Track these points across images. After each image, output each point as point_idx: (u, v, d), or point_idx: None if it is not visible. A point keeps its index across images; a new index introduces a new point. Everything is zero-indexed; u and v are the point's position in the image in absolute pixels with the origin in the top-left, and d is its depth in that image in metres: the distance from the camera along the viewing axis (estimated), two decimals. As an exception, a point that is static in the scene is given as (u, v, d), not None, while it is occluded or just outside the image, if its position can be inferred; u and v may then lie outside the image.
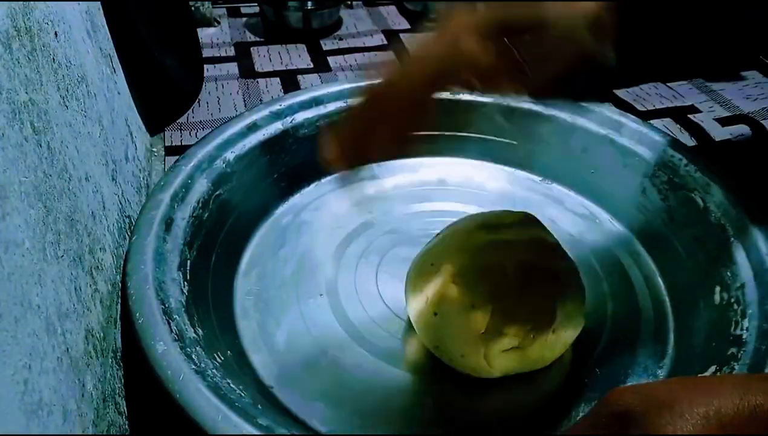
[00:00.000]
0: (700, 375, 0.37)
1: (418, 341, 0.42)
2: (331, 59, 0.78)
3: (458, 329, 0.38)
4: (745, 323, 0.39)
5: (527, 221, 0.43)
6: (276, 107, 0.54)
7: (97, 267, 0.36)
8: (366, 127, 0.35)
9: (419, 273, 0.41)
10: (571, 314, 0.39)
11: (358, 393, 0.39)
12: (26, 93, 0.30)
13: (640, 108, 0.67)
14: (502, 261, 0.39)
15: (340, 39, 0.83)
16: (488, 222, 0.42)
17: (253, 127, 0.52)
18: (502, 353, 0.37)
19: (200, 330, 0.38)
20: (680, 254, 0.46)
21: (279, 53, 0.79)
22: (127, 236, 0.44)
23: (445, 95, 0.57)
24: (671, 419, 0.24)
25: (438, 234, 0.44)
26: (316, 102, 0.55)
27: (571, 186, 0.55)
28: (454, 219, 0.52)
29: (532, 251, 0.40)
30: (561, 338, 0.39)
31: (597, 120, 0.54)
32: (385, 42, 0.83)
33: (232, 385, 0.35)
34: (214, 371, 0.35)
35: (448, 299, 0.38)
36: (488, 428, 0.38)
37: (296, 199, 0.54)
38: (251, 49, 0.80)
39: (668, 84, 0.71)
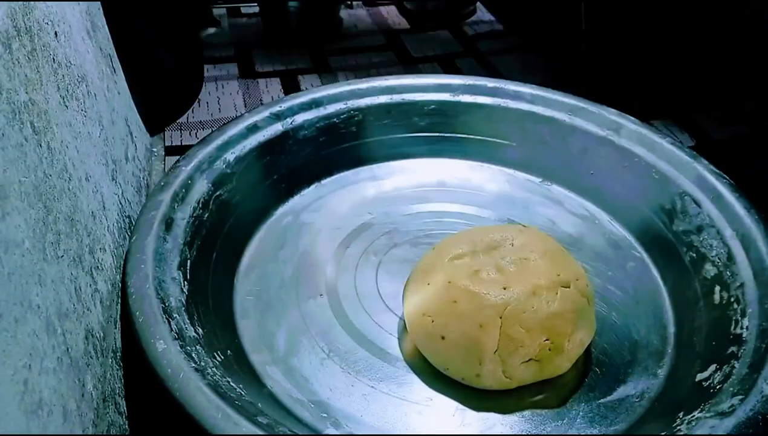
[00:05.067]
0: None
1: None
2: (331, 59, 0.78)
3: (469, 352, 0.37)
4: (745, 322, 0.39)
5: (527, 233, 0.42)
6: (276, 108, 0.54)
7: (97, 267, 0.36)
8: None
9: (418, 294, 0.40)
10: (583, 320, 0.39)
11: (359, 393, 0.39)
12: (26, 93, 0.30)
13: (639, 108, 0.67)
14: (505, 276, 0.39)
15: (340, 39, 0.83)
16: (482, 237, 0.42)
17: (253, 129, 0.52)
18: (520, 365, 0.37)
19: (200, 329, 0.38)
20: (680, 254, 0.46)
21: (279, 53, 0.79)
22: (127, 236, 0.44)
23: (446, 96, 0.58)
24: None
25: (433, 247, 0.43)
26: (316, 104, 0.55)
27: (570, 187, 0.55)
28: (454, 220, 0.52)
29: (536, 261, 0.39)
30: (576, 345, 0.38)
31: (596, 121, 0.54)
32: (385, 42, 0.83)
33: (232, 383, 0.35)
34: (214, 369, 0.35)
35: (454, 321, 0.38)
36: (489, 428, 0.38)
37: (296, 200, 0.54)
38: (251, 49, 0.80)
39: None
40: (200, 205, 0.46)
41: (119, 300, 0.39)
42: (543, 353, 0.37)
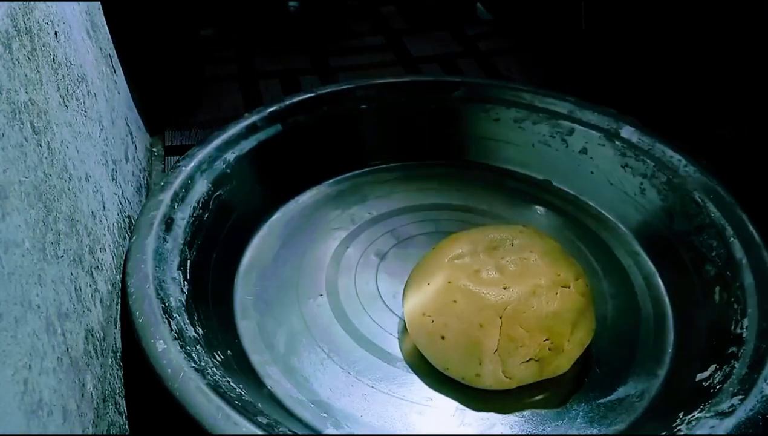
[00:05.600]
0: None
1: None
2: (331, 60, 0.78)
3: (469, 352, 0.37)
4: (745, 322, 0.39)
5: (527, 233, 0.42)
6: (276, 108, 0.54)
7: (97, 267, 0.36)
8: None
9: (418, 294, 0.40)
10: (583, 320, 0.39)
11: (359, 393, 0.39)
12: (26, 93, 0.30)
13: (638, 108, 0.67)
14: (505, 276, 0.39)
15: (341, 39, 0.83)
16: (482, 237, 0.42)
17: (253, 129, 0.52)
18: (520, 365, 0.37)
19: (200, 329, 0.38)
20: (680, 254, 0.46)
21: (279, 53, 0.79)
22: (127, 236, 0.44)
23: (446, 96, 0.58)
24: None
25: (433, 247, 0.43)
26: (316, 104, 0.55)
27: (570, 187, 0.55)
28: (454, 220, 0.52)
29: (536, 261, 0.39)
30: (576, 345, 0.38)
31: (596, 121, 0.54)
32: (385, 42, 0.83)
33: (232, 383, 0.35)
34: (213, 369, 0.35)
35: (454, 321, 0.37)
36: (489, 428, 0.38)
37: (296, 200, 0.54)
38: (251, 49, 0.80)
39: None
40: (200, 206, 0.46)
41: (119, 300, 0.39)
42: (543, 353, 0.37)
